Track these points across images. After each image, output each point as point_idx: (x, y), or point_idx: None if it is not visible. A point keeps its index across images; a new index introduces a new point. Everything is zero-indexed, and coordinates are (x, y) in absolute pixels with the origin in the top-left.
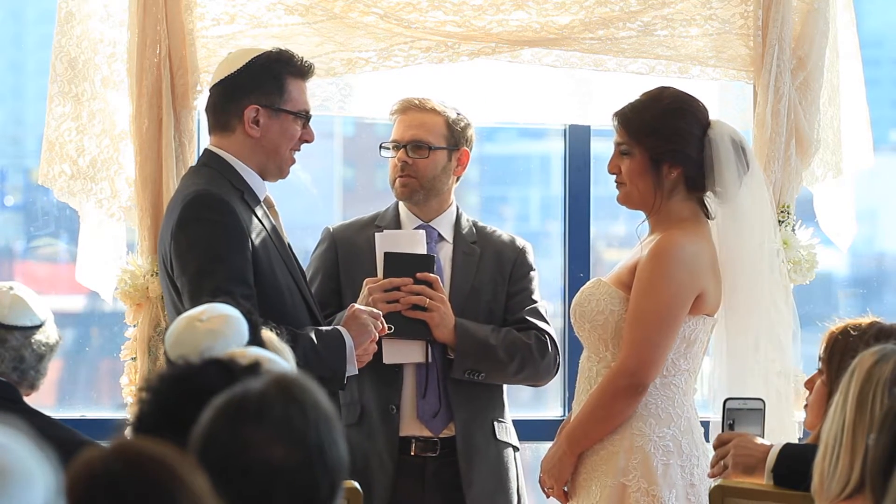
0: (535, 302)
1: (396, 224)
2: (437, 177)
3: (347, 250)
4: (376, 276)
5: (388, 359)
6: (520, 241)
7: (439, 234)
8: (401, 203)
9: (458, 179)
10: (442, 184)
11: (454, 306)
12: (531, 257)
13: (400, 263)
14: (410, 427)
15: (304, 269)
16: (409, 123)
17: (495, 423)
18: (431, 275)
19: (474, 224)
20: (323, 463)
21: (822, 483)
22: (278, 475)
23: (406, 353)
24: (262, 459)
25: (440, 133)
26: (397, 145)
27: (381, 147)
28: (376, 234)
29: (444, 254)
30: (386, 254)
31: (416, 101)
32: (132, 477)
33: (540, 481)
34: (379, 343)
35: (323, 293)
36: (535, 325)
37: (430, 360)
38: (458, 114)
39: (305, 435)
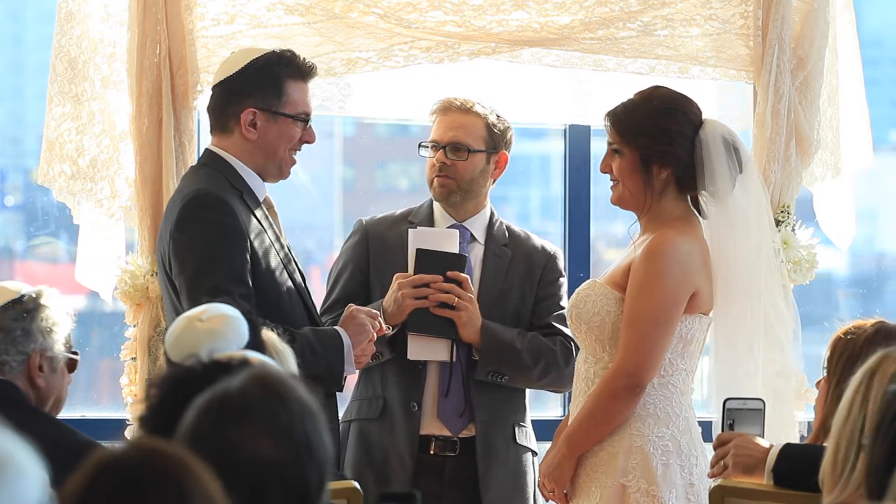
0: (562, 308)
1: (430, 222)
2: (475, 179)
3: (379, 244)
4: (407, 271)
5: (412, 355)
6: (550, 247)
7: (472, 235)
8: (435, 201)
9: (494, 182)
10: (479, 186)
11: (482, 308)
12: (561, 264)
13: (431, 261)
14: (431, 426)
15: (303, 269)
16: (450, 125)
17: (516, 426)
18: (462, 274)
19: (507, 227)
20: (311, 456)
21: (834, 479)
22: (269, 471)
23: (430, 351)
24: (252, 457)
25: (480, 136)
26: (436, 145)
27: (419, 146)
28: (409, 230)
29: (476, 255)
30: (418, 250)
31: (458, 103)
32: (149, 474)
33: (539, 485)
34: (404, 338)
35: (351, 286)
36: (561, 331)
37: (454, 359)
38: (499, 116)
39: (292, 429)
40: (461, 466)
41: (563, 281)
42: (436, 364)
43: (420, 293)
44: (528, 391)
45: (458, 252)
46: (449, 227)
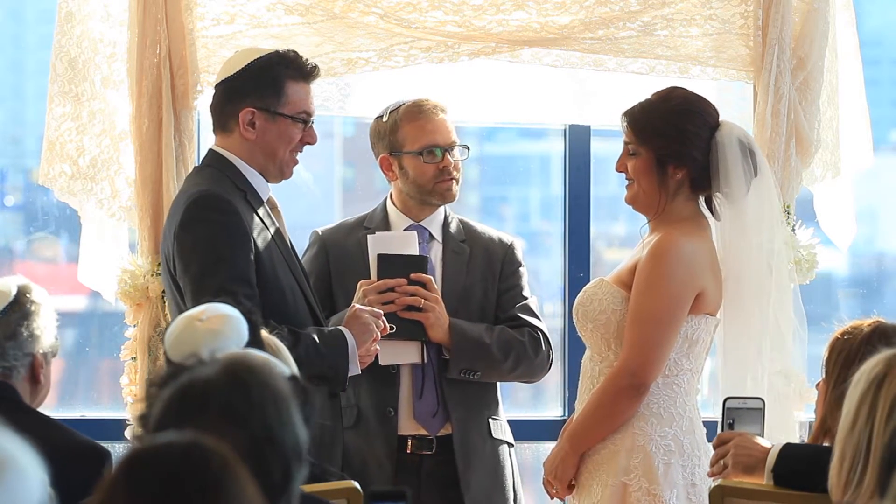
0: (526, 298)
1: (386, 225)
2: None
3: (338, 254)
4: (368, 277)
5: (384, 360)
6: (507, 238)
7: (430, 234)
8: (389, 204)
9: None
10: None
11: (447, 306)
12: (520, 253)
13: (393, 265)
14: (407, 427)
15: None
16: (446, 128)
17: (490, 420)
18: (425, 275)
19: (461, 222)
20: (272, 445)
21: (842, 489)
22: None
23: (402, 354)
24: None
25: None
26: (439, 149)
27: (423, 153)
28: (368, 237)
29: (435, 253)
30: (379, 255)
31: (440, 105)
32: (188, 468)
33: (544, 483)
34: None
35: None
36: (528, 321)
37: (425, 360)
38: None
39: (251, 420)
40: (438, 464)
41: (524, 270)
42: (408, 367)
43: (386, 298)
44: (502, 385)
45: (418, 253)
46: (406, 228)
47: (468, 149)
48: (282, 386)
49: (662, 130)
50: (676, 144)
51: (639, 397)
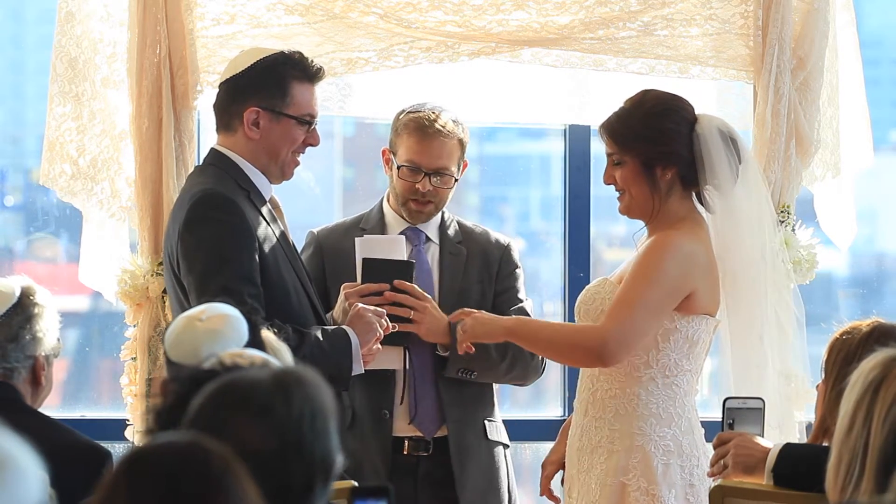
0: (522, 301)
1: (382, 227)
2: (449, 196)
3: (333, 255)
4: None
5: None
6: (504, 239)
7: (426, 236)
8: (385, 205)
9: None
10: (448, 198)
11: (444, 308)
12: (516, 254)
13: (378, 269)
14: (403, 429)
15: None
16: (437, 152)
17: (486, 422)
18: (408, 283)
19: (458, 223)
20: (299, 454)
21: (838, 492)
22: (249, 459)
23: (384, 360)
24: (236, 441)
25: (457, 158)
26: (418, 170)
27: (399, 167)
28: (356, 239)
29: (432, 255)
30: (364, 259)
31: (440, 125)
32: (189, 468)
33: (458, 334)
34: None
35: None
36: None
37: (407, 366)
38: (462, 125)
39: (284, 426)
40: (435, 466)
41: (520, 272)
42: (402, 369)
43: (369, 302)
44: (501, 385)
45: (405, 259)
46: (402, 231)
47: (454, 179)
48: (326, 402)
49: (644, 134)
50: (660, 145)
51: (593, 365)
